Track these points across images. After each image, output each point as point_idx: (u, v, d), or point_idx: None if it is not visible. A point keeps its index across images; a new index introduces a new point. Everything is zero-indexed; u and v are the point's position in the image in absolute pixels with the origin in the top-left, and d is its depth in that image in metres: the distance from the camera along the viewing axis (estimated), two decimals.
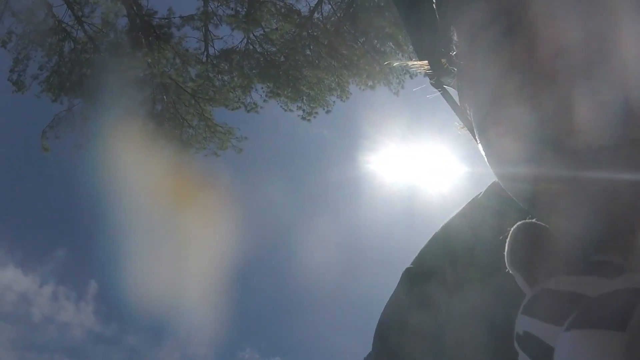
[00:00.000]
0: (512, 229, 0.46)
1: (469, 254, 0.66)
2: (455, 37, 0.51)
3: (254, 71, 8.68)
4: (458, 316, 0.62)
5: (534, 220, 0.46)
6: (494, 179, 0.68)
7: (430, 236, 0.74)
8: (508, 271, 0.56)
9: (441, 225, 0.74)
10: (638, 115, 0.33)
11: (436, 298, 0.66)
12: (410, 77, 8.15)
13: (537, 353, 0.38)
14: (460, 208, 0.73)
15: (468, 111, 0.53)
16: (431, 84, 0.64)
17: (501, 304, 0.57)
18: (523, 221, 0.46)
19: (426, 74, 0.64)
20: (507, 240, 0.46)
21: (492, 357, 0.57)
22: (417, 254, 0.73)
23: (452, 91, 0.63)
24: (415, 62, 0.62)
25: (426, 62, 0.61)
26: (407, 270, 0.71)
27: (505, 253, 0.46)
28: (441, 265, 0.68)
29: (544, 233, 0.44)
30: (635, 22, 0.34)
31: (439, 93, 0.63)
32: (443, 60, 0.57)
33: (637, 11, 0.34)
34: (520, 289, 0.51)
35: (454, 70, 0.55)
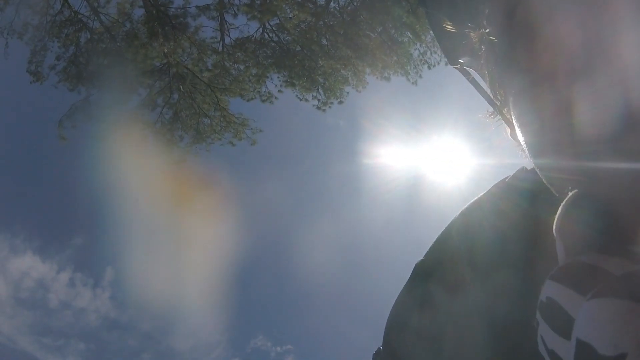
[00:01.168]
0: (570, 195, 0.45)
1: (470, 254, 0.65)
2: (488, 10, 0.47)
3: (269, 60, 8.67)
4: (459, 316, 0.61)
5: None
6: (506, 171, 0.69)
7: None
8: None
9: (453, 218, 0.72)
10: (638, 114, 0.33)
11: (438, 298, 0.65)
12: (429, 67, 8.14)
13: (557, 321, 0.37)
14: (476, 198, 0.71)
15: (499, 95, 0.51)
16: (453, 66, 0.61)
17: (501, 303, 0.57)
18: (579, 192, 0.44)
19: (447, 57, 0.61)
20: (562, 205, 0.45)
21: (491, 357, 0.57)
22: (430, 246, 0.71)
23: (475, 73, 0.59)
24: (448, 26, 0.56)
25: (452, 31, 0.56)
26: (420, 263, 0.70)
27: (556, 217, 0.45)
28: (445, 265, 0.67)
29: (593, 209, 0.43)
30: (635, 22, 0.34)
31: (464, 78, 0.62)
32: (469, 36, 0.52)
33: (637, 11, 0.34)
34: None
35: (483, 49, 0.52)
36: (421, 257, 0.71)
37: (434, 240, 0.72)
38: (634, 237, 0.38)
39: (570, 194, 0.45)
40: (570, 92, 0.37)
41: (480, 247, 0.63)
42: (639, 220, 0.37)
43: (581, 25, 0.36)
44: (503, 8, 0.43)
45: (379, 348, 0.95)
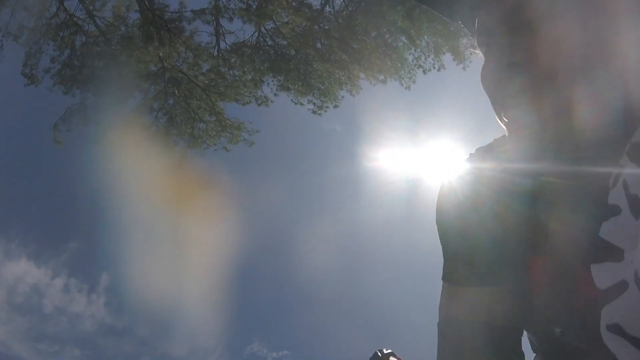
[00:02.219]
0: None
1: (470, 254, 0.63)
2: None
3: (265, 65, 8.68)
4: (459, 316, 0.60)
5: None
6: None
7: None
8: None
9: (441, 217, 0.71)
10: (637, 114, 0.34)
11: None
12: (424, 72, 8.18)
13: None
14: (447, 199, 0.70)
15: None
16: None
17: (501, 304, 0.56)
18: None
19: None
20: None
21: (491, 358, 0.55)
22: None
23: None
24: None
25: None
26: None
27: None
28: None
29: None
30: (635, 22, 0.34)
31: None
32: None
33: (637, 11, 0.34)
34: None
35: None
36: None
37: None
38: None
39: None
40: (570, 92, 0.37)
41: (480, 248, 0.62)
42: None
43: (581, 25, 0.36)
44: (504, 8, 0.44)
45: (376, 352, 0.95)
